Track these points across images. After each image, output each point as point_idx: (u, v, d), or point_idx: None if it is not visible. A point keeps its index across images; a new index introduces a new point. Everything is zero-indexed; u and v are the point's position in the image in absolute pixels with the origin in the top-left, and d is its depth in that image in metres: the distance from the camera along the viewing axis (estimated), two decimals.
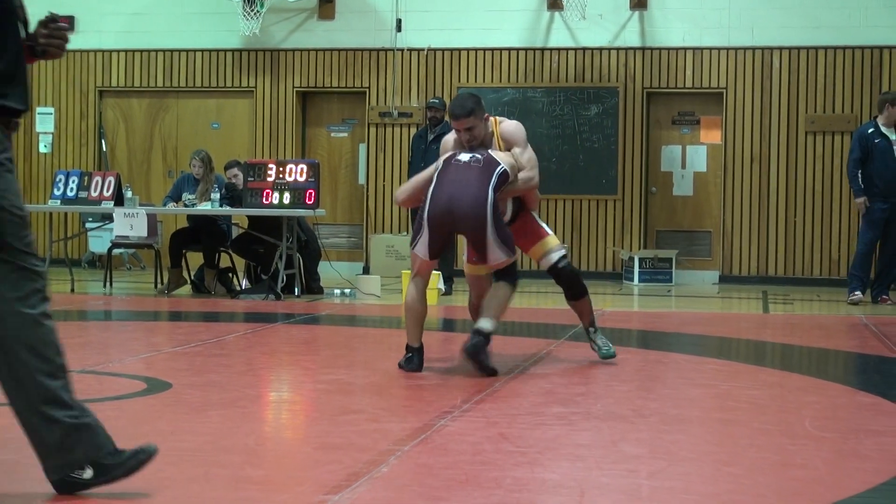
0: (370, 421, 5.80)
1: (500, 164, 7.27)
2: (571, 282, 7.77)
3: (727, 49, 16.51)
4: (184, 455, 4.96)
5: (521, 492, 4.35)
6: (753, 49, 16.45)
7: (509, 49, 16.93)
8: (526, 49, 16.89)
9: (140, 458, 4.20)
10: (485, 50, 16.98)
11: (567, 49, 16.79)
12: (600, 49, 16.75)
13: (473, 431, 5.49)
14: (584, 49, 16.74)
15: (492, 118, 7.61)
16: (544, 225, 7.79)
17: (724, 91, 16.54)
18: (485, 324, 7.16)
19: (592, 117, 16.72)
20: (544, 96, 16.83)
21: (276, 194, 12.82)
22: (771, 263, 16.43)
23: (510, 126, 7.58)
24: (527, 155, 7.49)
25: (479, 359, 7.06)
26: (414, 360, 7.29)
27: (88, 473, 4.15)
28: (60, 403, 4.12)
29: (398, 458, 4.83)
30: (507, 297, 7.38)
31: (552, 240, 7.71)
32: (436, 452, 5.04)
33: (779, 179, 16.40)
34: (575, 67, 16.79)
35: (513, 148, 7.50)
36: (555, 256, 7.67)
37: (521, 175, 7.42)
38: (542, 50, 16.86)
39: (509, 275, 7.39)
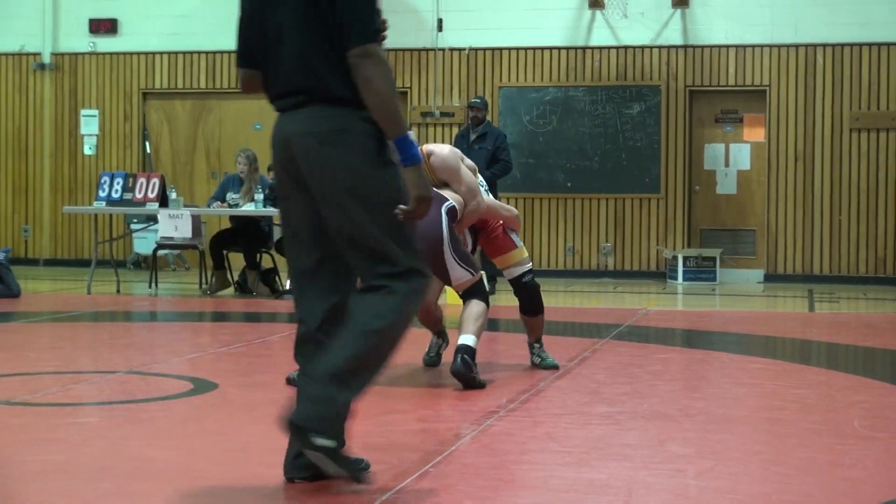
0: (416, 421, 5.81)
1: (447, 199, 7.05)
2: (531, 297, 7.52)
3: (770, 46, 16.41)
4: (231, 455, 4.98)
5: (568, 492, 4.34)
6: (797, 46, 16.34)
7: (551, 48, 16.89)
8: (567, 48, 16.85)
9: (362, 470, 4.30)
10: (526, 49, 16.96)
11: (609, 48, 16.75)
12: (642, 47, 16.69)
13: (519, 431, 5.49)
14: (626, 47, 16.69)
15: (421, 148, 7.15)
16: (516, 239, 7.58)
17: (768, 89, 16.44)
18: (467, 340, 6.84)
19: (635, 116, 16.66)
20: (586, 95, 16.79)
21: None
22: (816, 261, 16.32)
23: (438, 161, 7.18)
24: (464, 187, 7.18)
25: (468, 378, 6.73)
26: None
27: (323, 442, 4.11)
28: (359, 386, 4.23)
29: (444, 458, 4.83)
30: (483, 313, 7.00)
31: (519, 253, 7.50)
32: (482, 452, 5.04)
33: (823, 177, 16.29)
34: (617, 66, 16.74)
35: (451, 185, 7.21)
36: (519, 270, 7.49)
37: (467, 209, 7.19)
38: (584, 49, 16.82)
39: (480, 293, 7.08)
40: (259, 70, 4.31)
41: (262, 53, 4.26)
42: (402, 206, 4.12)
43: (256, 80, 4.35)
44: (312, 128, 4.14)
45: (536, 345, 7.64)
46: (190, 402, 6.28)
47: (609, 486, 4.43)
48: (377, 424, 5.85)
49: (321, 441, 4.09)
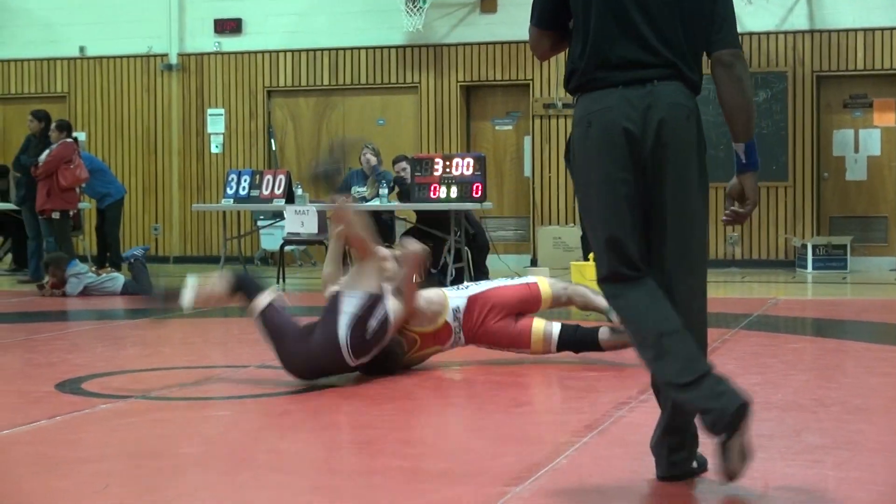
0: (546, 412, 5.80)
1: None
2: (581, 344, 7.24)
3: None
4: (363, 447, 5.01)
5: (703, 482, 4.29)
6: None
7: None
8: None
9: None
10: None
11: None
12: (767, 33, 16.44)
13: (651, 422, 5.40)
14: (751, 34, 16.44)
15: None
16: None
17: None
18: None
19: (761, 103, 16.41)
20: (710, 83, 16.33)
21: (444, 188, 12.88)
22: None
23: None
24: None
25: None
26: None
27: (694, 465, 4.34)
28: None
29: (576, 449, 4.81)
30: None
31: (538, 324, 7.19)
32: (614, 443, 5.01)
33: None
34: None
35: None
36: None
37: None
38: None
39: None
40: (557, 34, 4.30)
41: (598, 19, 4.13)
42: (734, 208, 4.23)
43: (550, 42, 4.33)
44: (682, 101, 4.14)
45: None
46: (321, 395, 6.33)
47: (745, 477, 4.35)
48: (508, 416, 5.85)
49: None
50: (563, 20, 4.26)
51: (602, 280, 4.21)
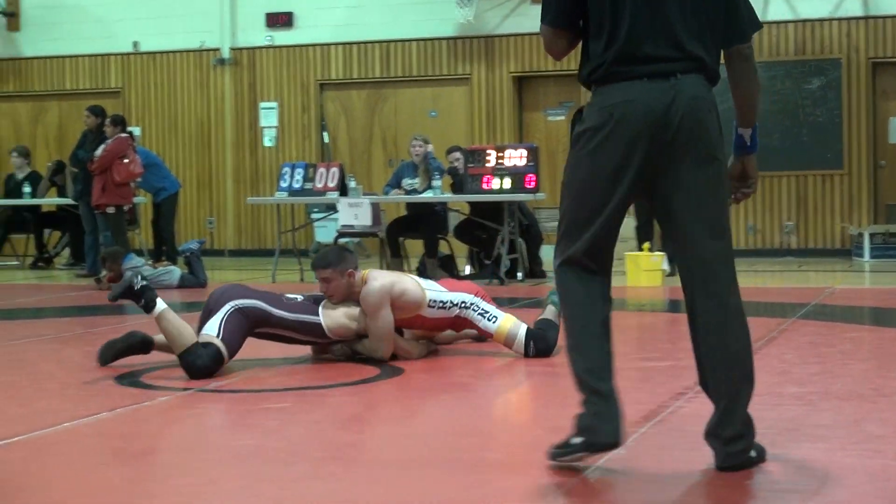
0: None
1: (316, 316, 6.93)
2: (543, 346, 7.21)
3: None
4: (419, 438, 5.02)
5: (763, 473, 4.26)
6: None
7: None
8: None
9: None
10: None
11: (786, 22, 16.39)
12: (821, 20, 16.29)
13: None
14: (805, 21, 16.31)
15: (362, 275, 6.97)
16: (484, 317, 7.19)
17: None
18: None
19: (815, 91, 16.29)
20: (764, 71, 16.45)
21: (497, 179, 12.87)
22: None
23: (364, 293, 6.88)
24: (372, 327, 6.91)
25: None
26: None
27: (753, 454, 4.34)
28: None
29: (635, 440, 4.79)
30: None
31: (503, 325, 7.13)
32: (673, 434, 4.99)
33: None
34: (795, 40, 16.37)
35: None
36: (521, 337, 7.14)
37: (366, 344, 7.01)
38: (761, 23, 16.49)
39: None
40: (572, 33, 4.35)
41: (633, 17, 4.16)
42: (744, 190, 4.36)
43: (567, 42, 4.41)
44: (702, 94, 4.19)
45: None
46: (378, 387, 6.35)
47: (805, 468, 4.34)
48: (563, 407, 5.82)
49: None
50: (578, 18, 4.30)
51: (565, 261, 4.31)
